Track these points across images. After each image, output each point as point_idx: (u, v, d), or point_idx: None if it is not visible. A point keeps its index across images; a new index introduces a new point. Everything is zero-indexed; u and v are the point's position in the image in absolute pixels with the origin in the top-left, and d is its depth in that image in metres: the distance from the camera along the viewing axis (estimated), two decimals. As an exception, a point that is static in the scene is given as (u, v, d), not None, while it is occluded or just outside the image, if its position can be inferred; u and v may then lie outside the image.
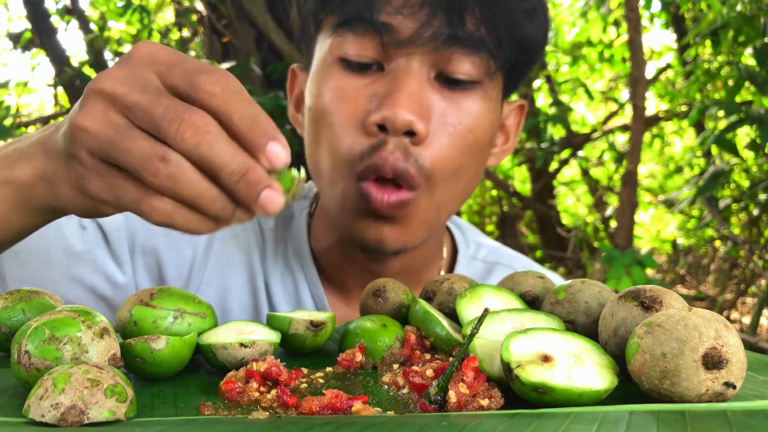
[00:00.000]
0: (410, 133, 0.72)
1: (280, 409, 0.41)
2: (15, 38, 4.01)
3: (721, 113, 2.61)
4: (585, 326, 0.49)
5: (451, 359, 0.45)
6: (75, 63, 3.61)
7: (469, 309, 0.51)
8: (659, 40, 8.12)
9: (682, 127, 4.54)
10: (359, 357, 0.50)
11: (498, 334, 0.46)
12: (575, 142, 4.08)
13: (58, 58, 3.60)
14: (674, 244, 5.06)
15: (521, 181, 5.69)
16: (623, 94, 4.93)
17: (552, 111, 2.98)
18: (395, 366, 0.50)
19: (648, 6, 2.87)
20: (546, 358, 0.40)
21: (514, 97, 0.91)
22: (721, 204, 2.86)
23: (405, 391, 0.44)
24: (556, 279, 0.94)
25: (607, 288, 0.51)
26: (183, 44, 3.76)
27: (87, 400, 0.35)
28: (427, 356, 0.50)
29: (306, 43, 0.84)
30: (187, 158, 0.43)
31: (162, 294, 0.51)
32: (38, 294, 0.52)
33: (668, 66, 4.35)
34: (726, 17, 2.30)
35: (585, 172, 4.97)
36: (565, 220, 5.43)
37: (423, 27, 0.72)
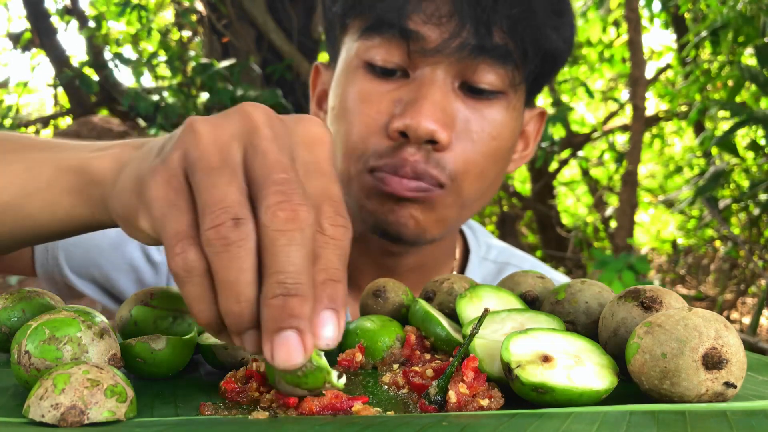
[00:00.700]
0: (432, 142, 0.73)
1: (280, 409, 0.41)
2: (15, 38, 4.02)
3: (722, 114, 2.62)
4: (585, 326, 0.50)
5: (451, 359, 0.45)
6: (75, 63, 3.61)
7: (469, 309, 0.51)
8: (659, 40, 8.13)
9: (682, 127, 4.54)
10: (359, 357, 0.50)
11: (498, 334, 0.46)
12: (575, 142, 4.08)
13: (58, 58, 3.61)
14: (674, 244, 5.06)
15: (521, 181, 5.69)
16: (623, 94, 4.94)
17: (552, 111, 2.98)
18: (395, 366, 0.50)
19: (648, 6, 2.87)
20: (546, 358, 0.40)
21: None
22: (721, 204, 2.87)
23: (405, 391, 0.44)
24: (563, 279, 0.94)
25: (607, 288, 0.51)
26: (183, 45, 3.76)
27: (87, 400, 0.35)
28: (427, 356, 0.50)
29: (331, 42, 0.85)
30: (260, 235, 0.36)
31: (162, 294, 0.51)
32: (38, 294, 0.52)
33: (668, 66, 4.35)
34: (726, 17, 2.30)
35: (585, 172, 4.97)
36: (565, 220, 5.43)
37: (451, 37, 0.72)
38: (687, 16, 3.51)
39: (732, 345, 0.38)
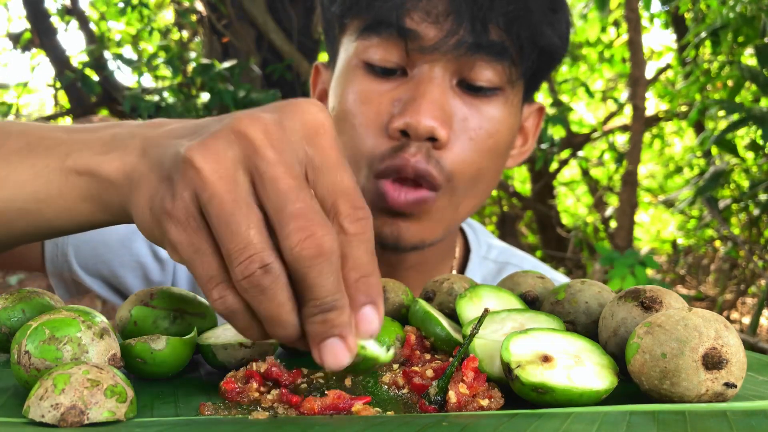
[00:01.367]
0: (432, 139, 0.73)
1: (281, 409, 0.41)
2: (15, 38, 4.02)
3: (721, 113, 2.62)
4: (585, 326, 0.50)
5: (451, 359, 0.45)
6: (75, 63, 3.61)
7: (469, 309, 0.51)
8: (659, 40, 8.13)
9: (682, 128, 4.54)
10: (359, 357, 0.50)
11: (498, 334, 0.46)
12: (575, 142, 4.08)
13: (58, 58, 3.61)
14: (674, 244, 5.06)
15: (521, 181, 5.69)
16: (623, 94, 4.94)
17: (552, 111, 2.98)
18: (395, 366, 0.50)
19: (647, 6, 2.87)
20: (546, 359, 0.40)
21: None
22: (721, 204, 2.87)
23: (405, 391, 0.44)
24: (563, 279, 0.94)
25: (607, 288, 0.51)
26: (183, 45, 3.76)
27: (87, 400, 0.35)
28: (427, 356, 0.50)
29: (330, 42, 0.85)
30: (288, 268, 0.38)
31: (162, 294, 0.51)
32: (38, 294, 0.52)
33: (668, 66, 4.35)
34: (726, 17, 2.30)
35: (585, 173, 4.97)
36: (565, 220, 5.43)
37: (448, 35, 0.73)
38: (687, 16, 3.51)
39: (732, 345, 0.38)
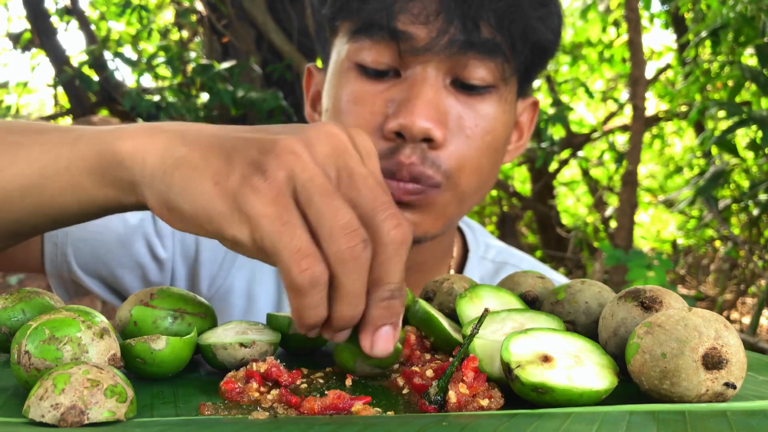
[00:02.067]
0: (428, 140, 0.74)
1: (281, 409, 0.41)
2: (15, 38, 4.02)
3: (721, 114, 2.61)
4: (585, 326, 0.50)
5: (451, 359, 0.45)
6: (75, 63, 3.61)
7: (469, 309, 0.51)
8: (659, 40, 8.13)
9: (682, 128, 4.54)
10: (359, 357, 0.50)
11: (498, 334, 0.46)
12: (575, 142, 4.08)
13: (58, 58, 3.61)
14: (674, 244, 5.06)
15: (521, 181, 5.69)
16: (623, 94, 4.94)
17: (552, 111, 2.99)
18: (395, 366, 0.50)
19: (647, 6, 2.87)
20: (546, 359, 0.40)
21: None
22: (721, 204, 2.87)
23: (405, 391, 0.44)
24: (561, 279, 0.94)
25: (607, 288, 0.51)
26: (183, 45, 3.77)
27: (87, 400, 0.35)
28: (427, 356, 0.50)
29: (321, 44, 0.85)
30: (374, 251, 0.42)
31: (162, 294, 0.51)
32: (38, 294, 0.52)
33: (668, 66, 4.35)
34: (726, 17, 2.30)
35: (585, 172, 4.98)
36: (565, 220, 5.43)
37: (439, 34, 0.73)
38: (687, 16, 3.51)
39: (732, 345, 0.38)
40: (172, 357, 0.45)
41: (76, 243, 0.82)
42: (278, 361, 0.46)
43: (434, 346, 0.51)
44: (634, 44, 2.40)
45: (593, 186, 5.03)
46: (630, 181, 2.45)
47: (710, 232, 3.79)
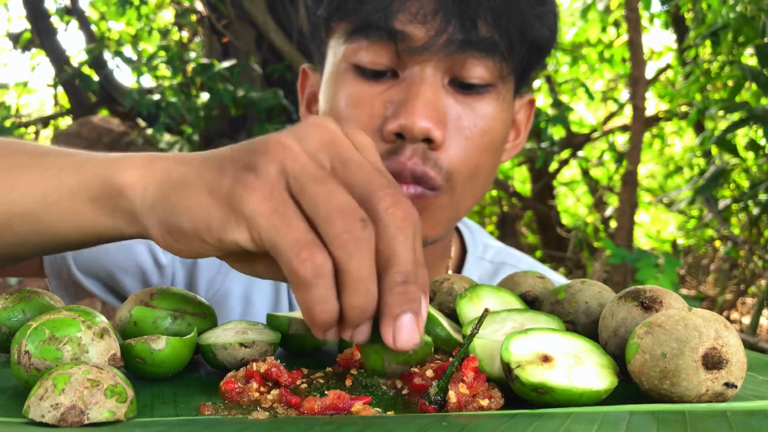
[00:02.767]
0: (427, 140, 0.73)
1: (281, 409, 0.41)
2: (15, 38, 4.02)
3: (721, 113, 2.62)
4: (585, 326, 0.50)
5: (451, 359, 0.45)
6: (75, 63, 3.61)
7: (469, 309, 0.51)
8: (659, 40, 8.13)
9: (682, 127, 4.54)
10: (358, 355, 0.50)
11: (498, 334, 0.46)
12: (575, 142, 4.08)
13: (58, 58, 3.61)
14: (674, 244, 5.07)
15: (521, 181, 5.69)
16: (623, 94, 4.94)
17: (552, 111, 2.99)
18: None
19: (647, 6, 2.87)
20: (546, 359, 0.40)
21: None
22: (721, 204, 2.87)
23: (405, 391, 0.44)
24: (559, 279, 0.94)
25: (607, 288, 0.51)
26: (183, 45, 3.77)
27: (87, 400, 0.35)
28: (427, 356, 0.50)
29: (317, 45, 0.85)
30: (378, 234, 0.40)
31: (162, 294, 0.51)
32: (38, 294, 0.52)
33: (668, 66, 4.36)
34: (726, 18, 2.30)
35: (585, 172, 4.98)
36: (565, 220, 5.43)
37: (437, 34, 0.72)
38: (687, 16, 3.51)
39: (732, 345, 0.38)
40: (172, 357, 0.45)
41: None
42: (278, 361, 0.46)
43: (434, 346, 0.51)
44: (634, 44, 2.40)
45: (593, 186, 5.03)
46: (630, 181, 2.46)
47: (710, 232, 3.79)
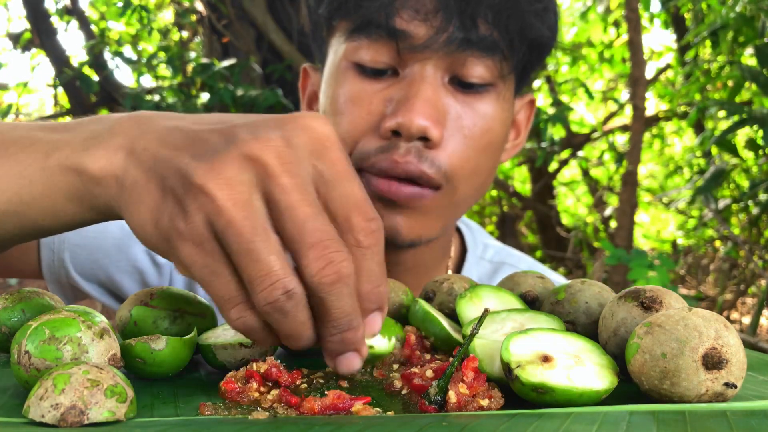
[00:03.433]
0: (424, 139, 0.73)
1: (281, 409, 0.41)
2: (15, 38, 4.01)
3: (721, 113, 2.62)
4: (585, 326, 0.49)
5: (451, 359, 0.45)
6: (75, 63, 3.61)
7: (469, 309, 0.51)
8: (659, 40, 8.12)
9: (682, 127, 4.54)
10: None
11: (498, 334, 0.46)
12: (575, 142, 4.08)
13: (58, 58, 3.60)
14: (674, 244, 5.06)
15: (521, 181, 5.68)
16: (623, 94, 4.93)
17: (552, 111, 2.98)
18: (395, 366, 0.50)
19: (646, 6, 2.86)
20: (546, 359, 0.40)
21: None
22: (721, 204, 2.86)
23: (404, 391, 0.44)
24: (558, 279, 0.94)
25: (607, 288, 0.51)
26: (183, 45, 3.76)
27: (87, 400, 0.35)
28: (427, 356, 0.50)
29: (318, 44, 0.85)
30: (308, 293, 0.40)
31: (162, 294, 0.51)
32: (38, 294, 0.52)
33: (668, 66, 4.35)
34: (725, 18, 2.30)
35: (585, 172, 4.97)
36: (565, 220, 5.43)
37: (438, 32, 0.72)
38: (687, 16, 3.51)
39: (732, 345, 0.38)
40: (172, 357, 0.45)
41: (73, 248, 0.81)
42: (278, 361, 0.46)
43: (434, 346, 0.51)
44: (634, 44, 2.40)
45: (593, 186, 5.03)
46: (630, 181, 2.45)
47: (710, 232, 3.79)
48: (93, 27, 3.89)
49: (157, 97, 2.98)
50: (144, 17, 3.15)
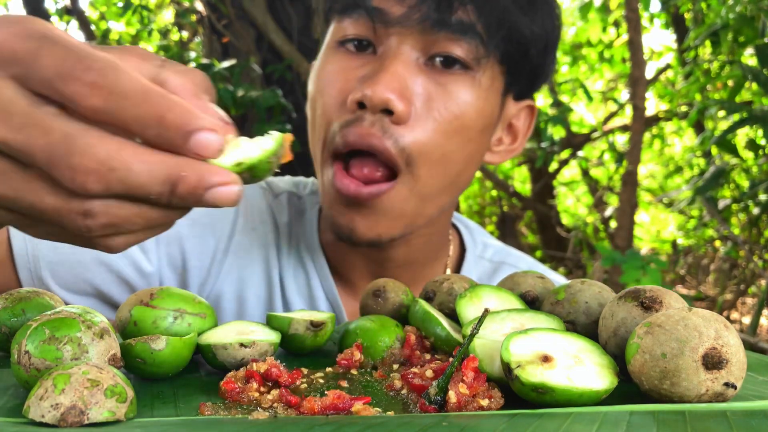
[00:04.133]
0: (389, 112, 0.73)
1: (281, 409, 0.41)
2: (15, 38, 4.01)
3: (721, 113, 2.62)
4: (585, 326, 0.50)
5: (451, 359, 0.45)
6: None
7: (469, 309, 0.51)
8: (659, 40, 8.13)
9: (682, 127, 4.54)
10: (358, 355, 0.50)
11: (498, 334, 0.46)
12: (575, 142, 4.08)
13: (58, 58, 3.60)
14: (674, 244, 5.06)
15: (521, 181, 5.69)
16: (623, 94, 4.94)
17: (552, 111, 2.99)
18: (395, 366, 0.50)
19: (646, 6, 2.86)
20: (546, 359, 0.40)
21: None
22: (721, 204, 2.86)
23: (404, 391, 0.44)
24: (558, 279, 0.94)
25: (607, 288, 0.51)
26: (183, 45, 3.77)
27: (87, 400, 0.35)
28: (427, 356, 0.50)
29: (322, 39, 0.86)
30: (109, 197, 0.37)
31: (162, 294, 0.51)
32: (38, 294, 0.52)
33: (668, 66, 4.36)
34: (725, 18, 2.30)
35: (585, 172, 4.98)
36: (565, 220, 5.43)
37: (412, 10, 0.74)
38: (687, 16, 3.51)
39: (732, 345, 0.38)
40: (172, 357, 0.45)
41: (52, 266, 0.79)
42: (278, 361, 0.46)
43: (434, 346, 0.51)
44: (634, 44, 2.40)
45: (593, 186, 5.03)
46: (630, 181, 2.45)
47: (710, 232, 3.80)
48: (93, 27, 3.89)
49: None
50: (145, 17, 3.15)
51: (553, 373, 0.39)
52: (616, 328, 0.45)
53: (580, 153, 4.42)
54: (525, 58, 0.81)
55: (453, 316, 0.54)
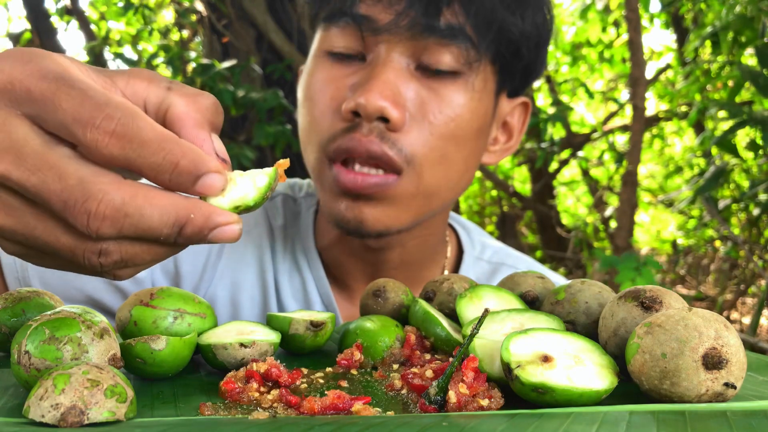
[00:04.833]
0: (384, 120, 0.73)
1: (281, 409, 0.41)
2: (15, 38, 4.01)
3: (721, 114, 2.62)
4: (585, 326, 0.50)
5: (451, 359, 0.45)
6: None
7: (469, 309, 0.51)
8: (659, 40, 8.13)
9: (682, 127, 4.54)
10: (358, 355, 0.50)
11: (498, 334, 0.46)
12: (575, 142, 4.08)
13: (58, 58, 3.59)
14: (674, 244, 5.06)
15: (521, 181, 5.69)
16: (623, 94, 4.94)
17: (552, 111, 2.98)
18: (395, 366, 0.50)
19: (646, 6, 2.86)
20: (546, 359, 0.40)
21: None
22: (721, 204, 2.86)
23: (404, 391, 0.44)
24: (558, 279, 0.94)
25: (607, 288, 0.51)
26: (183, 45, 3.77)
27: (87, 400, 0.35)
28: (427, 356, 0.50)
29: (310, 43, 0.86)
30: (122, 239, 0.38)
31: (162, 294, 0.51)
32: (38, 294, 0.52)
33: (668, 66, 4.35)
34: (725, 19, 2.30)
35: (585, 172, 4.98)
36: (565, 220, 5.43)
37: (399, 16, 0.73)
38: (687, 16, 3.51)
39: (732, 345, 0.38)
40: (172, 357, 0.45)
41: (41, 274, 0.79)
42: (278, 361, 0.46)
43: (434, 346, 0.51)
44: (634, 44, 2.40)
45: (593, 186, 5.03)
46: (630, 181, 2.45)
47: (710, 232, 3.79)
48: (93, 27, 3.89)
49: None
50: (147, 15, 3.15)
51: (553, 373, 0.39)
52: (616, 328, 0.45)
53: (580, 153, 4.42)
54: (517, 57, 0.81)
55: (453, 316, 0.54)
